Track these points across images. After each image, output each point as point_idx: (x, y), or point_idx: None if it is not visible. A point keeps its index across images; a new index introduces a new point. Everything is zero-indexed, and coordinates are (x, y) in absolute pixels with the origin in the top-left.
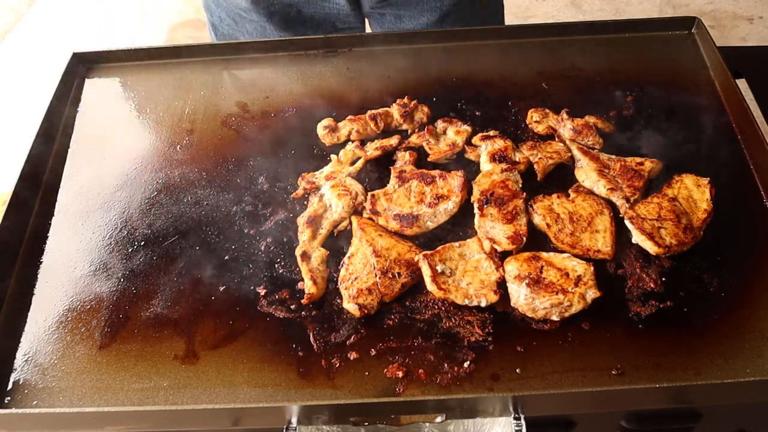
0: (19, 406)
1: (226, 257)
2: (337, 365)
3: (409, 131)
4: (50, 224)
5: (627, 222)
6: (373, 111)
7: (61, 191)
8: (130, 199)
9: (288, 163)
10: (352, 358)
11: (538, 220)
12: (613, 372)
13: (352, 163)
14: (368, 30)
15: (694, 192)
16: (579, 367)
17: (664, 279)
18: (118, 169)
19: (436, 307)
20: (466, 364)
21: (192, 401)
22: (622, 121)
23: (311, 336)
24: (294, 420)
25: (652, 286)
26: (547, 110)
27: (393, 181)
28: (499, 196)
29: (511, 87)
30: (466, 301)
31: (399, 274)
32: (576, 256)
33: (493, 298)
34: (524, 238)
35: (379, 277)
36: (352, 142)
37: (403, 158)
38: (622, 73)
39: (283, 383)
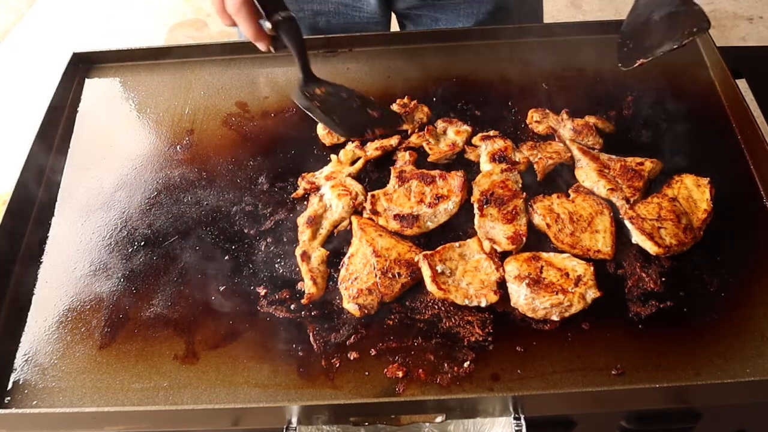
0: (19, 406)
1: (226, 257)
2: (337, 365)
3: (409, 131)
4: (50, 224)
5: (627, 222)
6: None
7: (61, 191)
8: (130, 199)
9: (288, 163)
10: (352, 358)
11: (538, 220)
12: (613, 372)
13: (352, 163)
14: None
15: (694, 192)
16: (579, 367)
17: (664, 279)
18: (118, 169)
19: (436, 307)
20: (466, 364)
21: (192, 401)
22: (622, 121)
23: (311, 336)
24: (294, 420)
25: (652, 286)
26: (547, 110)
27: (393, 181)
28: (499, 196)
29: (511, 87)
30: (466, 301)
31: (399, 274)
32: (576, 256)
33: (493, 298)
34: (524, 238)
35: (379, 277)
36: (352, 142)
37: (403, 158)
38: (622, 73)
39: (283, 383)
